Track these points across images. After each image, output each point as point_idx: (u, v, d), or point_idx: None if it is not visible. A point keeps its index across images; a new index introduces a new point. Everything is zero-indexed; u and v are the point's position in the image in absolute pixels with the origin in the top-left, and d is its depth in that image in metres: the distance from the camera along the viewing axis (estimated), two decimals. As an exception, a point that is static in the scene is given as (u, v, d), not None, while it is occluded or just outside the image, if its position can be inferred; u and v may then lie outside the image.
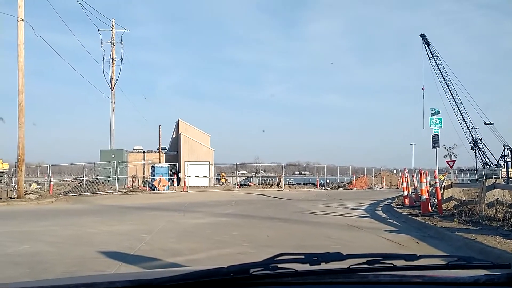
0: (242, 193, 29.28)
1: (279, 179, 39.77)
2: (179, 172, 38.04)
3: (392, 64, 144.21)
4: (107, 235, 10.15)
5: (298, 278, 1.51)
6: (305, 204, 19.49)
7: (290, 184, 41.75)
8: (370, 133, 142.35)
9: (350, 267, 1.51)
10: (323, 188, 37.31)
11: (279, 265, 1.49)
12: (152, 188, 32.96)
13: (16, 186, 21.57)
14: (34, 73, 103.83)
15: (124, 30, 38.35)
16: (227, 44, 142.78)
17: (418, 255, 1.56)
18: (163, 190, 32.24)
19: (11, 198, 21.27)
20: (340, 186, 39.77)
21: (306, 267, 1.49)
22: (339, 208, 17.06)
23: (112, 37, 37.51)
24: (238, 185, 37.30)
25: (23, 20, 21.00)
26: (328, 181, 41.82)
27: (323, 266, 1.49)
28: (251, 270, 1.48)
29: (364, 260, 1.53)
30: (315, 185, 39.27)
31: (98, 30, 36.83)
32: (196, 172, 41.50)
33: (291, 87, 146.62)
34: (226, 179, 46.67)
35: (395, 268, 1.54)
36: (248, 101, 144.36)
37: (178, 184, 35.80)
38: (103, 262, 6.86)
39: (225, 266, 1.46)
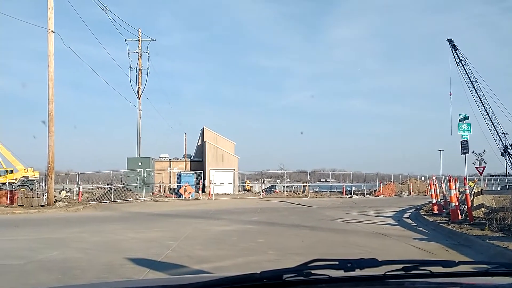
0: (267, 201, 29.22)
1: (305, 186, 39.54)
2: (204, 179, 38.24)
3: (419, 69, 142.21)
4: (135, 241, 10.26)
5: (333, 284, 1.48)
6: (331, 211, 19.30)
7: (316, 192, 41.42)
8: (397, 139, 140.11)
9: (386, 273, 1.47)
10: (349, 195, 36.90)
11: (312, 271, 1.47)
12: (178, 195, 33.21)
13: (46, 194, 22.02)
14: (63, 83, 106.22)
15: (150, 39, 38.97)
16: (251, 51, 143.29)
17: (456, 261, 1.51)
18: (189, 197, 32.44)
19: (41, 206, 21.75)
20: (367, 193, 39.27)
21: (340, 273, 1.46)
22: (366, 215, 16.84)
23: (138, 47, 38.14)
24: (263, 192, 37.23)
25: (53, 31, 21.56)
26: (354, 188, 41.34)
27: (357, 272, 1.46)
28: (284, 276, 1.45)
29: (400, 266, 1.49)
30: (341, 193, 38.87)
31: (125, 40, 37.53)
32: (221, 180, 41.64)
33: (315, 93, 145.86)
34: (251, 187, 46.70)
35: (433, 275, 1.49)
36: (273, 108, 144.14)
37: (203, 191, 35.98)
38: (131, 269, 6.93)
39: (258, 272, 1.45)
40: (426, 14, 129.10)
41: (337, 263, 1.46)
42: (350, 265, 1.45)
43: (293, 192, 40.70)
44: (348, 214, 17.38)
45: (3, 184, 35.03)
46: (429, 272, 1.49)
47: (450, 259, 1.58)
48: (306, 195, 35.51)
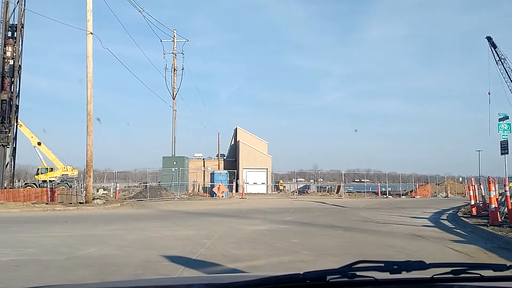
0: (300, 201, 29.09)
1: (339, 186, 39.17)
2: (237, 178, 38.42)
3: (456, 68, 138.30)
4: (170, 239, 10.39)
5: (378, 287, 1.44)
6: (366, 212, 19.03)
7: (350, 192, 40.96)
8: (433, 139, 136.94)
9: (434, 276, 1.42)
10: (385, 196, 36.29)
11: (357, 273, 1.43)
12: (212, 194, 33.49)
13: (85, 192, 22.61)
14: (101, 84, 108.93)
15: (185, 40, 39.51)
16: (285, 52, 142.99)
17: (508, 265, 1.44)
18: (222, 196, 32.65)
19: (80, 203, 22.35)
20: (402, 194, 38.53)
21: (386, 275, 1.41)
22: (402, 216, 16.51)
23: (173, 48, 38.73)
24: (296, 192, 37.07)
25: (91, 33, 22.10)
26: (389, 189, 40.59)
27: (404, 275, 1.41)
28: (328, 277, 1.42)
29: (448, 269, 1.43)
30: (376, 193, 38.30)
31: (161, 41, 38.18)
32: (254, 179, 41.73)
33: (350, 93, 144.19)
34: (284, 186, 46.59)
35: (483, 278, 1.43)
36: (306, 108, 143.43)
37: (236, 190, 36.15)
38: (166, 266, 7.02)
39: (301, 273, 1.42)
40: (464, 12, 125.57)
41: (382, 265, 1.42)
42: (396, 267, 1.40)
43: (327, 192, 40.37)
44: (383, 215, 17.09)
45: (44, 181, 36.24)
46: (479, 276, 1.43)
47: (498, 263, 1.51)
48: (340, 196, 35.16)
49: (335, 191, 39.42)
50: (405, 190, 41.06)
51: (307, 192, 42.27)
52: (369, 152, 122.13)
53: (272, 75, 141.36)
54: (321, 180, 53.88)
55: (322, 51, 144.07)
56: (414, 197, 35.96)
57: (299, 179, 51.37)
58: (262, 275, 1.51)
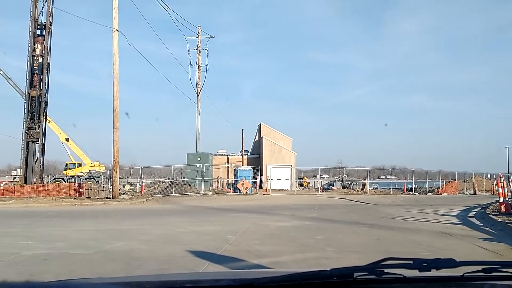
0: (325, 197, 28.93)
1: (364, 183, 38.79)
2: (261, 175, 38.46)
3: (484, 62, 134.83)
4: (195, 234, 10.49)
5: (407, 284, 1.41)
6: (391, 209, 18.79)
7: (375, 189, 40.51)
8: (461, 135, 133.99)
9: (464, 275, 1.38)
10: (411, 193, 35.76)
11: (385, 270, 1.40)
12: (236, 190, 33.63)
13: (111, 187, 22.99)
14: (127, 80, 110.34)
15: (209, 36, 39.66)
16: (309, 47, 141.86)
17: None
18: (246, 192, 32.74)
19: (107, 198, 22.74)
20: (429, 191, 37.90)
21: (415, 273, 1.39)
22: (429, 214, 16.24)
23: (198, 44, 38.94)
24: (320, 189, 36.89)
25: (117, 30, 22.41)
26: (415, 185, 39.97)
27: (433, 273, 1.38)
28: (355, 274, 1.40)
29: (479, 268, 1.39)
30: (402, 190, 37.76)
31: (185, 38, 38.42)
32: (278, 175, 41.67)
33: (375, 88, 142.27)
34: (308, 183, 46.43)
35: None
36: (331, 103, 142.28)
37: (260, 187, 36.19)
38: (191, 261, 7.09)
39: (328, 269, 1.41)
40: (495, 5, 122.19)
41: (411, 262, 1.39)
42: (425, 264, 1.37)
43: (352, 189, 40.03)
44: (409, 212, 16.85)
45: (72, 177, 37.02)
46: (511, 274, 1.39)
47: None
48: (365, 192, 34.83)
49: (360, 187, 39.04)
50: (431, 187, 40.36)
51: (331, 188, 41.99)
52: (395, 148, 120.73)
53: (297, 71, 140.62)
54: (346, 176, 53.41)
55: (347, 46, 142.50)
56: (441, 194, 35.34)
57: (323, 176, 51.01)
58: (288, 271, 1.50)
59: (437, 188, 38.87)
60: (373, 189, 39.44)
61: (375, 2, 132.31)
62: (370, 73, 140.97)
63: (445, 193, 35.84)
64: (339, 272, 1.40)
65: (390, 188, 39.09)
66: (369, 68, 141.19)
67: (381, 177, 61.07)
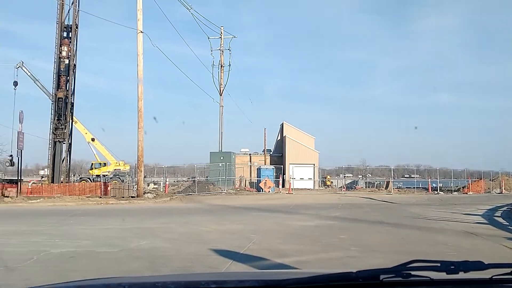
0: (348, 196, 28.71)
1: (388, 182, 38.34)
2: (284, 174, 38.39)
3: (510, 59, 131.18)
4: (218, 233, 10.55)
5: (434, 287, 1.39)
6: (416, 208, 18.54)
7: (399, 188, 39.99)
8: (487, 134, 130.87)
9: (493, 277, 1.36)
10: (435, 192, 35.20)
11: (412, 272, 1.39)
12: (258, 189, 33.64)
13: (136, 186, 23.30)
14: (150, 81, 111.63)
15: (232, 36, 39.79)
16: (332, 45, 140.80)
17: None
18: (269, 191, 32.73)
19: (132, 197, 23.08)
20: (454, 190, 37.22)
21: (442, 275, 1.36)
22: (454, 213, 15.97)
23: (221, 44, 39.12)
24: (344, 188, 36.62)
25: (141, 32, 22.68)
26: (440, 185, 39.32)
27: (461, 275, 1.36)
28: (381, 277, 1.39)
29: (508, 270, 1.36)
30: (427, 189, 37.18)
31: (208, 38, 38.63)
32: (300, 174, 41.50)
33: (399, 86, 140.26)
34: (332, 182, 46.13)
35: None
36: (354, 101, 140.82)
37: (283, 186, 36.12)
38: (215, 259, 7.13)
39: (354, 271, 1.39)
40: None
41: (438, 264, 1.37)
42: (453, 267, 1.35)
43: (376, 188, 39.62)
44: (434, 212, 16.59)
45: (98, 176, 37.67)
46: None
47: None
48: (389, 191, 34.43)
49: (384, 186, 38.59)
50: (457, 186, 39.63)
51: (355, 187, 41.65)
52: (419, 146, 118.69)
53: (319, 69, 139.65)
54: (370, 175, 52.93)
55: (370, 44, 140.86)
56: (466, 193, 34.67)
57: (346, 175, 50.60)
58: (312, 271, 1.50)
59: (463, 187, 38.14)
60: (397, 188, 38.95)
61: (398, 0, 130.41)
62: (393, 70, 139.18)
63: (470, 192, 35.14)
64: (365, 274, 1.39)
65: (414, 187, 38.49)
66: (393, 65, 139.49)
67: (405, 176, 60.24)
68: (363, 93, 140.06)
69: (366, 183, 44.53)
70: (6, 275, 6.18)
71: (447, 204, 21.41)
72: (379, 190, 37.38)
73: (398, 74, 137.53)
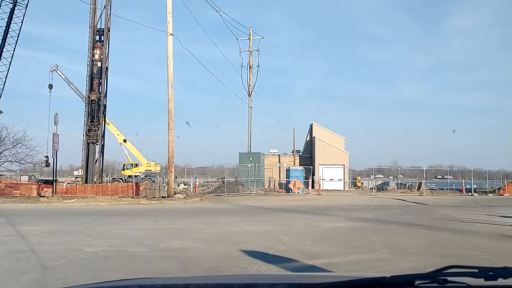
0: (379, 198, 28.31)
1: (420, 183, 37.60)
2: (313, 175, 38.18)
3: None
4: (247, 234, 10.57)
5: None
6: (449, 210, 18.12)
7: (432, 189, 39.16)
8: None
9: None
10: (470, 193, 34.32)
11: (448, 278, 1.35)
12: (288, 190, 33.56)
13: (166, 186, 23.60)
14: (180, 82, 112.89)
15: (260, 37, 39.91)
16: (361, 45, 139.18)
17: None
18: (298, 192, 32.61)
19: (162, 197, 23.40)
20: (489, 192, 36.20)
21: (480, 282, 1.32)
22: (489, 215, 15.52)
23: (249, 45, 39.31)
24: (374, 189, 36.14)
25: (171, 34, 22.98)
26: (474, 186, 38.29)
27: (500, 282, 1.31)
28: (416, 282, 1.36)
29: None
30: (460, 191, 36.31)
31: (237, 39, 38.90)
32: (330, 175, 41.16)
33: (431, 86, 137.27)
34: (362, 183, 45.59)
35: None
36: (385, 101, 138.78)
37: (312, 187, 35.93)
38: (245, 260, 7.15)
39: (388, 276, 1.37)
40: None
41: (476, 270, 1.33)
42: (492, 273, 1.31)
43: (407, 189, 38.91)
44: (469, 214, 16.17)
45: (130, 176, 38.33)
46: None
47: None
48: (422, 193, 33.77)
49: (416, 188, 37.87)
50: (492, 188, 38.51)
51: (386, 189, 41.01)
52: (453, 147, 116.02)
53: (349, 69, 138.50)
54: (401, 176, 52.02)
55: (401, 43, 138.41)
56: (502, 195, 33.67)
57: (377, 176, 49.88)
58: (345, 275, 1.48)
59: (498, 189, 37.04)
60: (429, 189, 38.16)
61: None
62: (425, 70, 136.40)
63: (506, 194, 34.11)
64: (399, 279, 1.36)
65: (447, 189, 37.65)
66: (425, 65, 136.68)
67: (438, 177, 59.05)
68: (395, 92, 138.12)
69: (397, 184, 43.77)
70: (44, 274, 6.36)
71: (482, 206, 20.86)
72: (411, 191, 36.72)
73: (430, 73, 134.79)
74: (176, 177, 32.66)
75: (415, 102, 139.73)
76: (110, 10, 29.40)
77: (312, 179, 36.92)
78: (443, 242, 9.50)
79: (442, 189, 39.07)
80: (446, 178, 45.88)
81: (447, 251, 8.51)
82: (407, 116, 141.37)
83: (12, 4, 30.54)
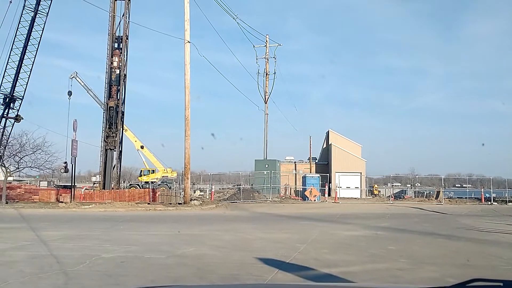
0: (396, 206, 28.00)
1: (438, 192, 37.09)
2: (329, 182, 37.96)
3: None
4: (263, 242, 10.55)
5: None
6: (468, 219, 17.84)
7: (450, 198, 38.56)
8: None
9: None
10: (489, 202, 33.72)
11: None
12: (304, 198, 33.40)
13: (183, 193, 23.71)
14: (197, 89, 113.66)
15: (277, 45, 40.02)
16: (379, 52, 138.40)
17: None
18: (314, 200, 32.43)
19: (179, 203, 23.51)
20: (509, 201, 35.54)
21: None
22: (509, 225, 15.25)
23: (266, 52, 39.42)
24: (392, 197, 35.77)
25: (189, 42, 23.19)
26: (494, 195, 37.61)
27: None
28: None
29: None
30: (479, 200, 35.70)
31: (254, 47, 39.06)
32: (347, 183, 40.86)
33: (449, 93, 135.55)
34: (379, 191, 45.13)
35: None
36: (402, 109, 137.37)
37: (329, 194, 35.71)
38: (260, 268, 7.13)
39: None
40: None
41: (501, 284, 1.30)
42: None
43: (425, 198, 38.39)
44: (488, 223, 15.89)
45: (146, 182, 38.60)
46: None
47: None
48: (440, 202, 33.30)
49: (434, 196, 37.37)
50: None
51: (403, 197, 40.53)
52: (471, 155, 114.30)
53: (365, 76, 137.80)
54: (419, 185, 51.39)
55: (419, 50, 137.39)
56: (523, 205, 33.02)
57: (394, 184, 49.38)
58: (363, 285, 1.47)
59: (519, 198, 36.37)
60: (448, 198, 37.59)
61: (448, 4, 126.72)
62: (444, 77, 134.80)
63: (528, 203, 33.45)
64: None
65: (466, 198, 37.04)
66: (443, 72, 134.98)
67: (456, 185, 58.17)
68: (412, 100, 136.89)
69: (415, 192, 43.21)
70: (62, 280, 6.43)
71: (502, 215, 20.49)
72: (429, 200, 36.24)
73: (448, 80, 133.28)
74: (194, 184, 32.79)
75: (433, 110, 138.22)
76: (128, 18, 29.85)
77: (329, 186, 36.69)
78: (462, 252, 9.36)
79: (461, 198, 38.45)
80: (464, 187, 45.21)
81: (466, 261, 8.37)
82: (425, 124, 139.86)
83: (33, 12, 31.21)
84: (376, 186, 46.74)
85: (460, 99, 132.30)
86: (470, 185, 46.73)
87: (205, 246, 9.56)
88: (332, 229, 13.56)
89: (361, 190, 41.16)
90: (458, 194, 42.52)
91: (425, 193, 41.84)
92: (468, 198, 36.73)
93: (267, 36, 39.93)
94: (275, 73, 39.28)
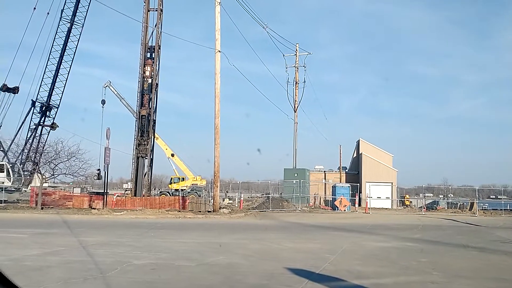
0: (428, 217, 27.39)
1: (472, 203, 36.11)
2: (360, 192, 37.48)
3: None
4: (292, 251, 10.51)
5: None
6: (504, 232, 17.29)
7: (485, 210, 37.49)
8: None
9: None
10: (526, 215, 32.66)
11: None
12: (334, 207, 33.08)
13: (212, 201, 23.85)
14: (227, 97, 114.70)
15: (307, 53, 39.99)
16: (411, 60, 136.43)
17: None
18: (345, 210, 32.07)
19: (208, 211, 23.66)
20: (548, 214, 34.32)
21: None
22: (548, 239, 14.71)
23: (295, 61, 39.47)
24: (424, 208, 35.01)
25: (219, 51, 23.44)
26: (531, 207, 36.43)
27: None
28: None
29: None
30: (516, 212, 34.61)
31: (283, 56, 39.17)
32: (378, 193, 40.23)
33: (483, 102, 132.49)
34: (411, 202, 44.25)
35: None
36: (435, 118, 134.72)
37: (359, 205, 35.25)
38: (290, 278, 7.09)
39: None
40: None
41: None
42: None
43: (458, 209, 37.43)
44: (526, 237, 15.37)
45: (176, 190, 39.01)
46: None
47: None
48: (474, 213, 32.41)
49: (468, 208, 36.39)
50: (550, 209, 36.49)
51: (436, 208, 39.61)
52: (506, 165, 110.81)
53: (397, 85, 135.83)
54: (452, 195, 50.15)
55: (451, 59, 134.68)
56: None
57: (426, 194, 48.31)
58: None
59: (558, 210, 35.05)
60: (482, 209, 36.55)
61: (481, 12, 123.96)
62: (477, 86, 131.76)
63: None
64: None
65: (501, 209, 35.93)
66: (478, 80, 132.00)
67: (491, 197, 56.56)
68: (445, 109, 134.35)
69: (447, 203, 42.20)
70: (93, 285, 6.56)
71: (540, 229, 19.78)
72: (462, 211, 35.31)
73: (481, 89, 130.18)
74: (221, 191, 32.91)
75: (466, 119, 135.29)
76: (161, 28, 30.40)
77: (359, 196, 36.24)
78: (497, 265, 9.10)
79: (496, 209, 37.33)
80: (500, 198, 43.91)
81: (502, 274, 8.15)
82: (458, 133, 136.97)
83: (69, 23, 32.24)
84: (407, 196, 45.85)
85: (495, 108, 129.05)
86: (506, 197, 45.42)
87: (234, 255, 9.59)
88: (363, 240, 13.39)
89: (392, 200, 40.49)
90: (492, 206, 41.32)
91: (459, 204, 40.79)
92: (504, 210, 35.63)
93: (297, 45, 40.04)
94: (304, 81, 39.29)
